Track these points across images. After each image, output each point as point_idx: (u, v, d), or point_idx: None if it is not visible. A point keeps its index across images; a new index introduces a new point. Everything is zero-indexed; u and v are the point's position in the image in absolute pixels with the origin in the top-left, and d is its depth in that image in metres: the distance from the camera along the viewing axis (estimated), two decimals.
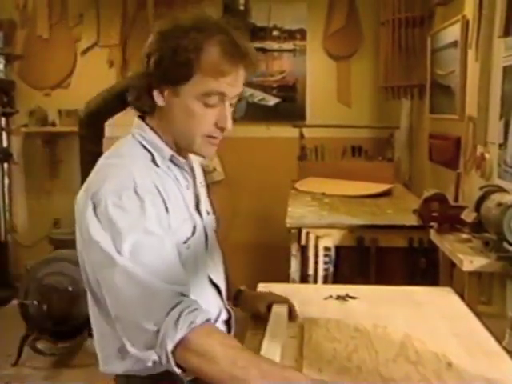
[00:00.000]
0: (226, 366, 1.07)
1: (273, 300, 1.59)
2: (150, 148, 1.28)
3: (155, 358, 1.11)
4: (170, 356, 1.09)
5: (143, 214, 1.15)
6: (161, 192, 1.21)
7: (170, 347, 1.08)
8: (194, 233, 1.31)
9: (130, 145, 1.29)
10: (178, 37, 1.20)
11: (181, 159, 1.32)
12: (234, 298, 1.61)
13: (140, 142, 1.29)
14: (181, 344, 1.08)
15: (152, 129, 1.30)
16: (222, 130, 1.26)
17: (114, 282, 1.13)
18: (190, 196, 1.36)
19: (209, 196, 1.52)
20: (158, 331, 1.09)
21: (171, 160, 1.30)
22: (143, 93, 1.26)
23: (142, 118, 1.33)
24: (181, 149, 1.31)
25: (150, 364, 1.14)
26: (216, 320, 1.39)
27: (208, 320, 1.14)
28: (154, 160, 1.27)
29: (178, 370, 1.11)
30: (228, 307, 1.47)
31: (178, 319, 1.09)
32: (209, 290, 1.40)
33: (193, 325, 1.10)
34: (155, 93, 1.24)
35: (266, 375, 1.05)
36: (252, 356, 1.12)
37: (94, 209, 1.15)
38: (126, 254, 1.12)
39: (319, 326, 1.50)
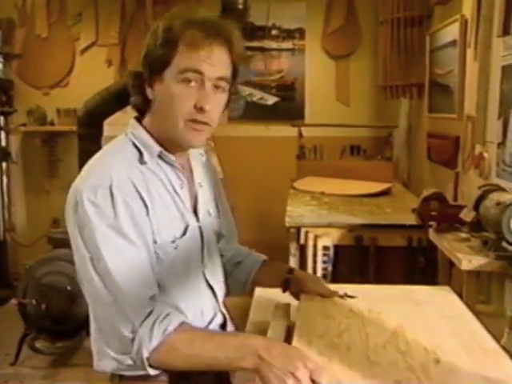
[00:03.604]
0: (214, 350, 1.14)
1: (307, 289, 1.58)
2: (139, 145, 1.29)
3: (130, 362, 1.16)
4: (146, 362, 1.14)
5: (116, 213, 1.16)
6: (139, 191, 1.21)
7: (145, 355, 1.14)
8: (184, 233, 1.31)
9: (119, 143, 1.31)
10: (160, 27, 1.23)
11: (170, 156, 1.31)
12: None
13: (131, 140, 1.30)
14: (157, 349, 1.14)
15: (145, 128, 1.31)
16: (202, 110, 1.23)
17: (90, 283, 1.17)
18: (184, 195, 1.35)
19: (215, 197, 1.53)
20: (133, 339, 1.14)
21: (160, 157, 1.30)
22: (138, 91, 1.30)
23: (139, 119, 1.34)
24: (172, 143, 1.30)
25: (126, 365, 1.18)
26: (210, 322, 1.39)
27: (182, 323, 1.18)
28: (141, 157, 1.27)
29: (152, 372, 1.16)
30: (223, 310, 1.47)
31: (151, 329, 1.14)
32: (204, 292, 1.40)
33: (166, 332, 1.14)
34: (147, 88, 1.27)
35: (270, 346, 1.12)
36: (239, 336, 1.21)
37: (75, 206, 1.17)
38: (100, 255, 1.15)
39: (316, 302, 1.52)
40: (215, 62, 1.23)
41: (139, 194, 1.21)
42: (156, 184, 1.27)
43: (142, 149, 1.28)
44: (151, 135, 1.30)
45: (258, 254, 1.68)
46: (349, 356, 1.21)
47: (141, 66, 1.27)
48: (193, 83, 1.22)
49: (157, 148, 1.29)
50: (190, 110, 1.24)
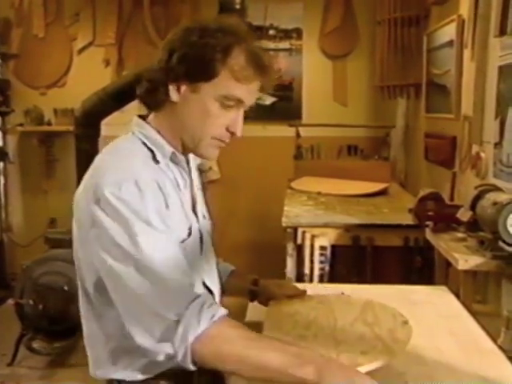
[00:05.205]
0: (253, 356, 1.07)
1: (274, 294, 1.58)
2: (150, 145, 1.27)
3: (169, 351, 1.09)
4: (189, 349, 1.07)
5: (144, 207, 1.14)
6: (161, 187, 1.20)
7: (191, 338, 1.07)
8: (189, 234, 1.30)
9: (129, 141, 1.28)
10: (206, 36, 1.20)
11: (180, 157, 1.32)
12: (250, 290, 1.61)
13: (140, 139, 1.28)
14: (200, 338, 1.08)
15: (153, 126, 1.29)
16: (232, 134, 1.27)
17: (125, 274, 1.11)
18: (187, 196, 1.35)
19: (206, 201, 1.52)
20: (178, 322, 1.08)
21: (170, 158, 1.29)
22: (157, 86, 1.25)
23: (142, 118, 1.33)
24: (184, 148, 1.31)
25: (160, 358, 1.10)
26: None
27: (225, 316, 1.13)
28: (154, 157, 1.26)
29: (192, 366, 1.10)
30: None
31: (199, 312, 1.09)
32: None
33: (214, 319, 1.09)
34: (171, 87, 1.23)
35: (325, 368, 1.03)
36: (286, 346, 1.11)
37: (98, 203, 1.13)
38: (137, 245, 1.11)
39: (282, 304, 1.52)
40: (255, 93, 1.27)
41: (161, 190, 1.20)
42: (167, 183, 1.26)
43: (154, 148, 1.27)
44: (160, 135, 1.29)
45: (227, 265, 1.67)
46: (316, 343, 1.23)
47: (163, 60, 1.23)
48: (230, 106, 1.24)
49: (169, 149, 1.28)
50: (222, 131, 1.26)
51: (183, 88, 1.23)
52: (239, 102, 1.24)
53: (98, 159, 1.26)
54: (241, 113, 1.26)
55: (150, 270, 1.10)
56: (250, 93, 1.25)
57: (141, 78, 1.30)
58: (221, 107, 1.23)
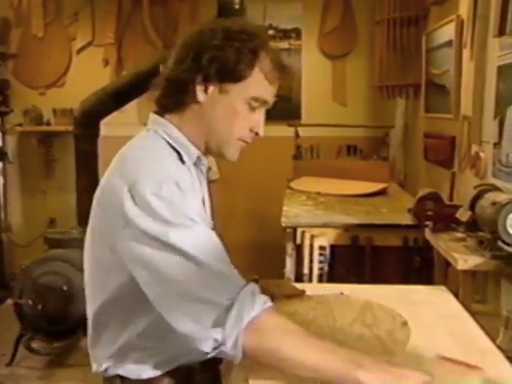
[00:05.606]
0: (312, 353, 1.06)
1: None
2: (176, 146, 1.25)
3: (219, 336, 1.05)
4: (241, 334, 1.05)
5: (187, 205, 1.13)
6: (195, 188, 1.21)
7: (246, 321, 1.05)
8: None
9: (153, 140, 1.26)
10: (233, 38, 1.22)
11: (204, 160, 1.32)
12: None
13: (164, 139, 1.26)
14: (252, 324, 1.06)
15: (175, 127, 1.27)
16: (257, 135, 1.29)
17: (170, 265, 1.08)
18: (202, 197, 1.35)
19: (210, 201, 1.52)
20: (231, 305, 1.06)
21: (195, 161, 1.29)
22: (181, 87, 1.24)
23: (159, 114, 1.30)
24: (207, 149, 1.30)
25: (207, 346, 1.07)
26: None
27: (273, 306, 1.12)
28: (181, 158, 1.25)
29: (239, 352, 1.06)
30: None
31: (253, 295, 1.08)
32: None
33: (265, 305, 1.09)
34: (199, 88, 1.23)
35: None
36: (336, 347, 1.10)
37: (131, 199, 1.11)
38: (182, 237, 1.09)
39: (281, 304, 1.51)
40: (274, 94, 1.30)
41: (195, 190, 1.21)
42: (195, 184, 1.26)
43: (180, 150, 1.25)
44: (185, 136, 1.27)
45: None
46: None
47: (189, 60, 1.22)
48: (256, 107, 1.26)
49: (195, 151, 1.28)
50: (247, 132, 1.28)
51: (211, 88, 1.23)
52: (265, 103, 1.27)
53: (126, 157, 1.22)
54: (263, 113, 1.29)
55: (198, 260, 1.08)
56: (272, 93, 1.28)
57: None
58: (249, 109, 1.25)
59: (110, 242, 1.16)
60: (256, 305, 1.07)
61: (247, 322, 1.05)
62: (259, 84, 1.24)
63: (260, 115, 1.28)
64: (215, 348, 1.06)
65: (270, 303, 1.10)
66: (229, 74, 1.21)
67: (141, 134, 1.29)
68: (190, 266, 1.08)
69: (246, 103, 1.24)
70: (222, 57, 1.21)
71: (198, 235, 1.11)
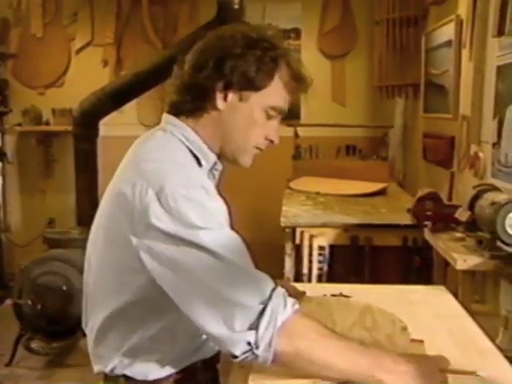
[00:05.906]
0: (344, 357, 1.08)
1: None
2: (194, 150, 1.25)
3: (251, 339, 1.05)
4: (275, 335, 1.05)
5: (215, 208, 1.13)
6: (216, 192, 1.21)
7: (279, 321, 1.06)
8: None
9: (172, 142, 1.24)
10: (254, 46, 1.22)
11: (220, 166, 1.33)
12: None
13: (182, 142, 1.24)
14: (284, 326, 1.06)
15: (192, 131, 1.26)
16: (271, 142, 1.30)
17: (200, 268, 1.08)
18: None
19: None
20: (264, 308, 1.06)
21: (211, 167, 1.29)
22: (201, 93, 1.23)
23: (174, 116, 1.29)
24: (221, 155, 1.30)
25: (238, 349, 1.06)
26: None
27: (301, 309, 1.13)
28: (199, 162, 1.25)
29: (271, 355, 1.06)
30: None
31: (284, 298, 1.09)
32: None
33: (295, 307, 1.10)
34: (219, 95, 1.22)
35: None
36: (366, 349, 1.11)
37: (157, 200, 1.09)
38: (212, 240, 1.08)
39: None
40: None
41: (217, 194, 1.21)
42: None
43: (198, 154, 1.25)
44: (203, 141, 1.27)
45: None
46: None
47: (209, 68, 1.21)
48: (273, 116, 1.27)
49: (213, 157, 1.28)
50: (262, 139, 1.29)
51: (230, 96, 1.23)
52: (282, 112, 1.28)
53: (140, 159, 1.19)
54: (278, 121, 1.30)
55: (229, 261, 1.09)
56: (289, 103, 1.29)
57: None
58: (266, 118, 1.26)
59: (130, 244, 1.13)
60: (288, 306, 1.08)
61: (281, 320, 1.06)
62: (278, 93, 1.25)
63: (276, 124, 1.29)
64: (246, 351, 1.06)
65: (298, 305, 1.11)
66: (249, 82, 1.21)
67: (156, 134, 1.26)
68: (221, 267, 1.08)
69: (264, 111, 1.25)
70: (243, 65, 1.20)
71: (226, 238, 1.12)
